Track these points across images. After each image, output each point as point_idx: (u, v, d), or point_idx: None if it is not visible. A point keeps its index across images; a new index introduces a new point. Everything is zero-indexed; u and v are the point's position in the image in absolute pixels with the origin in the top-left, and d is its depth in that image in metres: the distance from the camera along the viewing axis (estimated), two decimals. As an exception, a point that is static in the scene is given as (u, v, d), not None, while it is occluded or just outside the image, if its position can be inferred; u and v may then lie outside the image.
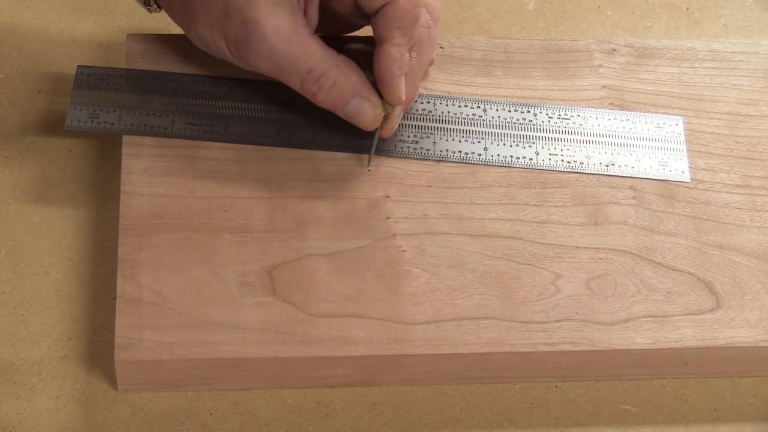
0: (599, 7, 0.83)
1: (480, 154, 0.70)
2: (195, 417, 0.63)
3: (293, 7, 0.66)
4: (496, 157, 0.70)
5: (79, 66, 0.71)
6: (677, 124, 0.73)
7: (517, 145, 0.71)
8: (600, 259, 0.67)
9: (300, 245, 0.66)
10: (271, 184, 0.68)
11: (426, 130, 0.71)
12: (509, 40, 0.76)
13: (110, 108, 0.70)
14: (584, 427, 0.65)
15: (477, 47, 0.75)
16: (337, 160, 0.69)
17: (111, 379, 0.64)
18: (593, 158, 0.71)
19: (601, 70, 0.75)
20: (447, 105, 0.72)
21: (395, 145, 0.70)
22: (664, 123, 0.73)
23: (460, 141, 0.71)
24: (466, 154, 0.70)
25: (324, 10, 0.68)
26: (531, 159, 0.70)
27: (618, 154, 0.71)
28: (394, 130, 0.69)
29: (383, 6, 0.65)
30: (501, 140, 0.71)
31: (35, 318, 0.66)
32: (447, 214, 0.68)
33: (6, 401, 0.63)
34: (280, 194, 0.68)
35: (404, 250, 0.66)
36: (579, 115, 0.72)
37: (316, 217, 0.67)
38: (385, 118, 0.68)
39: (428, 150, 0.70)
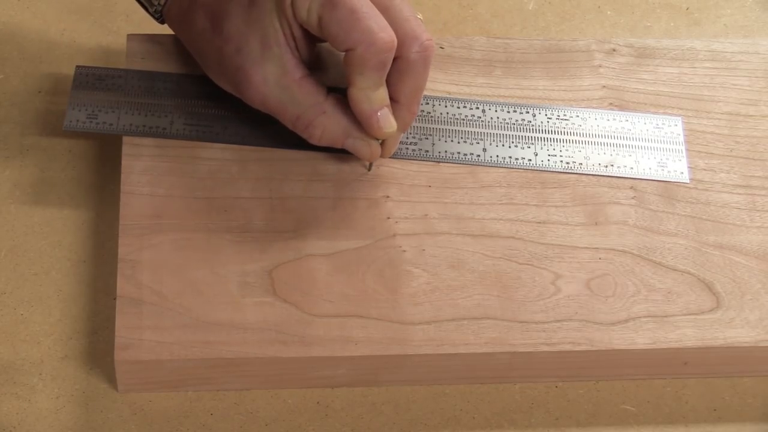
0: (599, 7, 0.83)
1: (479, 155, 0.70)
2: (195, 417, 0.63)
3: (282, 49, 0.65)
4: (495, 158, 0.70)
5: (77, 66, 0.71)
6: (676, 125, 0.73)
7: (516, 146, 0.71)
8: (600, 259, 0.67)
9: (300, 245, 0.66)
10: (271, 184, 0.68)
11: (425, 132, 0.71)
12: (509, 40, 0.76)
13: (109, 108, 0.70)
14: (584, 427, 0.65)
15: (477, 47, 0.75)
16: (337, 160, 0.69)
17: (111, 379, 0.64)
18: (592, 159, 0.71)
19: (601, 70, 0.75)
20: (446, 106, 0.72)
21: None
22: (663, 123, 0.73)
23: (459, 142, 0.71)
24: (465, 155, 0.70)
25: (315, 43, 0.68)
26: (530, 160, 0.70)
27: (617, 154, 0.71)
28: (393, 151, 0.69)
29: (346, 51, 0.64)
30: (500, 141, 0.71)
31: (35, 318, 0.66)
32: (447, 214, 0.68)
33: (6, 401, 0.63)
34: (280, 194, 0.68)
35: (404, 250, 0.66)
36: (578, 116, 0.72)
37: (316, 217, 0.67)
38: (383, 142, 0.68)
39: (427, 151, 0.70)
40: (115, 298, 0.63)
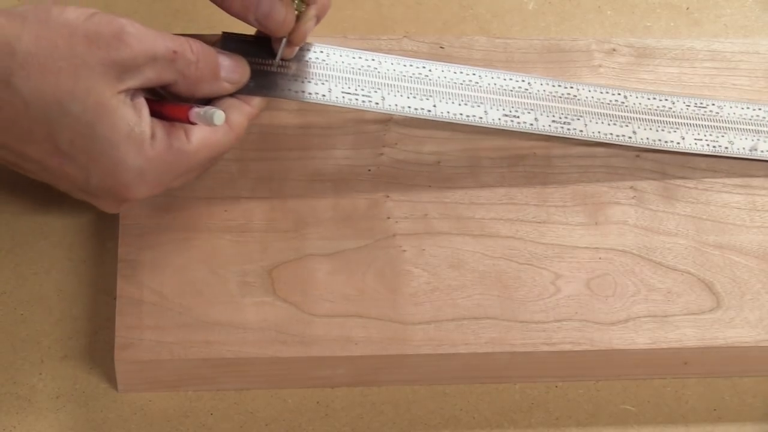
0: (599, 7, 0.83)
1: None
2: (195, 417, 0.63)
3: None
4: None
5: (78, 66, 0.71)
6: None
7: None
8: (600, 259, 0.67)
9: (300, 245, 0.66)
10: (271, 184, 0.68)
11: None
12: (509, 40, 0.76)
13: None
14: (584, 427, 0.65)
15: (477, 47, 0.75)
16: (337, 160, 0.69)
17: (111, 379, 0.64)
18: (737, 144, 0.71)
19: (601, 70, 0.75)
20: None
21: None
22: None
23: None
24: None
25: None
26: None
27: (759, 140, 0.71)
28: (306, 36, 0.65)
29: None
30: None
31: (35, 318, 0.66)
32: (447, 214, 0.68)
33: (6, 401, 0.63)
34: (280, 194, 0.68)
35: (404, 250, 0.66)
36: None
37: (316, 217, 0.67)
38: (298, 19, 0.64)
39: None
40: (115, 298, 0.63)
